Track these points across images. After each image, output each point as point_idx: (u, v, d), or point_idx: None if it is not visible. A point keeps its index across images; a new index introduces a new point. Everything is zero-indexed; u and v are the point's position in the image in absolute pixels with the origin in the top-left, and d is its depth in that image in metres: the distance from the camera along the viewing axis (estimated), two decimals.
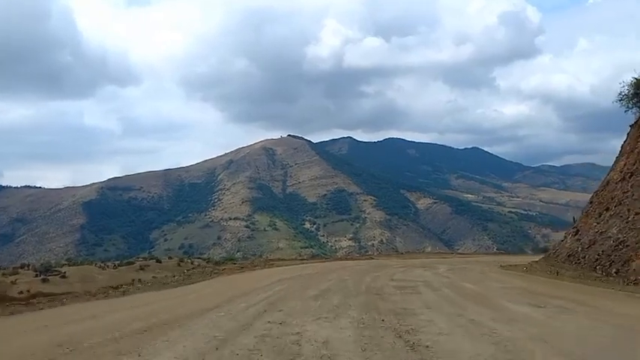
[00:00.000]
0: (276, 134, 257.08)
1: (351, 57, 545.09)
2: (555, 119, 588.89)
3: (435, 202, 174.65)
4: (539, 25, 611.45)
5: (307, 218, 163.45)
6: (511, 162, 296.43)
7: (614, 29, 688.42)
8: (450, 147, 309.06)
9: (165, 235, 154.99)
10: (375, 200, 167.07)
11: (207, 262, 31.80)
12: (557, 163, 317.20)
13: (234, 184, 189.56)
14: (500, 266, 28.25)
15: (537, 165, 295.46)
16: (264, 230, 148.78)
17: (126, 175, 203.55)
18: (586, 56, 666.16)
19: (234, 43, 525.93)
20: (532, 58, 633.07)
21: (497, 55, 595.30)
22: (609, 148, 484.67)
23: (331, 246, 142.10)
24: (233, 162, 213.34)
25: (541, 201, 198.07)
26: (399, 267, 29.03)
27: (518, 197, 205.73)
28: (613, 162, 26.04)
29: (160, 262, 29.66)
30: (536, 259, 28.26)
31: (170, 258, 32.36)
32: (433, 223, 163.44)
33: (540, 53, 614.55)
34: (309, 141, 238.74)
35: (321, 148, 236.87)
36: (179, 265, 28.96)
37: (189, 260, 30.77)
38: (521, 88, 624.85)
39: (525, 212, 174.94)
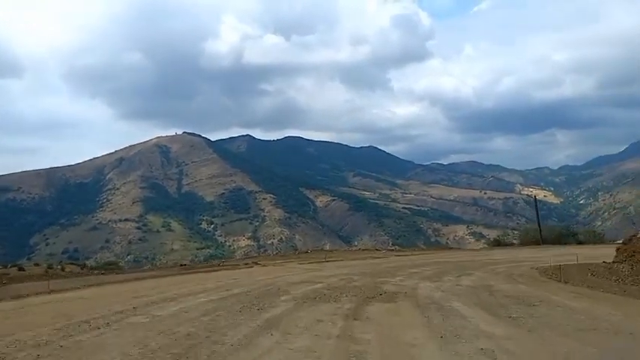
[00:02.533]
0: (171, 132, 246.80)
1: (251, 54, 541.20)
2: (443, 120, 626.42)
3: (334, 200, 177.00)
4: (430, 29, 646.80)
5: (204, 218, 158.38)
6: (404, 160, 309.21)
7: (495, 37, 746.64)
8: (348, 145, 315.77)
9: (47, 239, 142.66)
10: (274, 198, 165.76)
11: (81, 269, 28.31)
12: (444, 161, 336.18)
13: (124, 183, 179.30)
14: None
15: (428, 163, 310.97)
16: (157, 232, 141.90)
17: (2, 175, 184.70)
18: (470, 61, 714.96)
19: (126, 35, 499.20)
20: (423, 61, 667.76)
21: (392, 57, 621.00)
22: (490, 147, 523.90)
23: (229, 246, 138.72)
24: (124, 160, 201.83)
25: (431, 197, 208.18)
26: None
27: (411, 194, 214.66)
28: None
29: (23, 269, 25.82)
30: (608, 260, 16.68)
31: (36, 265, 28.49)
32: (332, 220, 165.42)
33: (431, 57, 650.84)
34: (207, 139, 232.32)
35: (219, 146, 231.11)
36: (46, 272, 25.38)
37: (59, 266, 27.14)
38: (413, 89, 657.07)
39: (418, 208, 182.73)
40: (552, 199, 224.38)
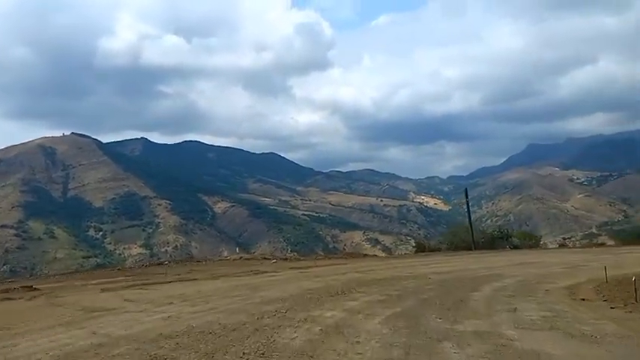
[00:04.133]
0: (59, 132, 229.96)
1: (149, 54, 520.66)
2: (343, 128, 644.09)
3: (233, 206, 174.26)
4: (332, 39, 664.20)
5: (92, 224, 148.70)
6: (304, 167, 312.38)
7: (392, 51, 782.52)
8: (249, 152, 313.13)
9: None
10: (170, 204, 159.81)
11: None
12: (343, 169, 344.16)
13: (2, 186, 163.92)
14: None
15: (327, 170, 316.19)
16: (39, 239, 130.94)
17: None
18: (369, 72, 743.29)
19: (11, 28, 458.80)
20: (325, 70, 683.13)
21: (294, 64, 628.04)
22: (386, 156, 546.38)
23: (119, 254, 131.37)
24: (2, 162, 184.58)
25: (330, 204, 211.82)
26: None
27: (310, 201, 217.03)
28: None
29: None
30: None
31: None
32: (230, 226, 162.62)
33: (332, 66, 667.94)
34: (97, 140, 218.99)
35: (110, 148, 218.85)
36: None
37: None
38: (315, 98, 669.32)
39: (317, 215, 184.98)
40: (442, 206, 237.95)
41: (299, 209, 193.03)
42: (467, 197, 44.87)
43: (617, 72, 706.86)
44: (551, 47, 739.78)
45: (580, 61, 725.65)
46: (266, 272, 18.58)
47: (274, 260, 25.28)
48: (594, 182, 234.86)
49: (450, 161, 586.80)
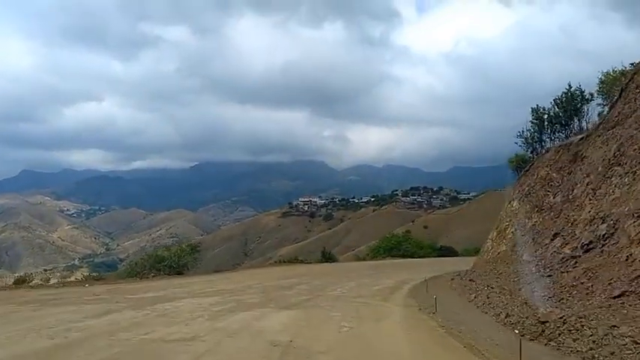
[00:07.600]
0: None
1: None
2: None
3: None
4: None
5: None
6: None
7: None
8: None
9: None
10: None
11: None
12: None
13: None
14: None
15: None
16: None
17: None
18: None
19: None
20: None
21: None
22: None
23: None
24: None
25: None
26: None
27: None
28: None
29: None
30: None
31: None
32: None
33: None
34: None
35: None
36: None
37: None
38: None
39: None
40: None
41: None
42: None
43: (118, 114, 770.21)
44: (62, 76, 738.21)
45: (87, 97, 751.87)
46: None
47: None
48: (84, 215, 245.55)
49: None
